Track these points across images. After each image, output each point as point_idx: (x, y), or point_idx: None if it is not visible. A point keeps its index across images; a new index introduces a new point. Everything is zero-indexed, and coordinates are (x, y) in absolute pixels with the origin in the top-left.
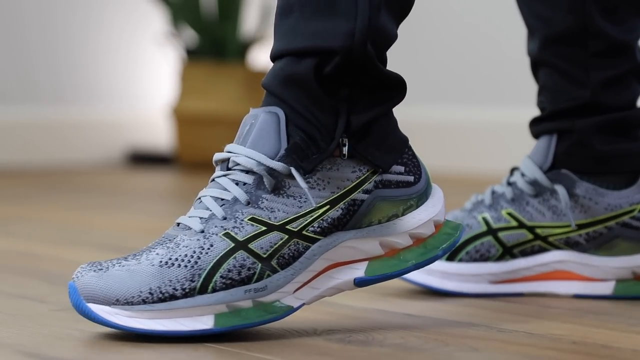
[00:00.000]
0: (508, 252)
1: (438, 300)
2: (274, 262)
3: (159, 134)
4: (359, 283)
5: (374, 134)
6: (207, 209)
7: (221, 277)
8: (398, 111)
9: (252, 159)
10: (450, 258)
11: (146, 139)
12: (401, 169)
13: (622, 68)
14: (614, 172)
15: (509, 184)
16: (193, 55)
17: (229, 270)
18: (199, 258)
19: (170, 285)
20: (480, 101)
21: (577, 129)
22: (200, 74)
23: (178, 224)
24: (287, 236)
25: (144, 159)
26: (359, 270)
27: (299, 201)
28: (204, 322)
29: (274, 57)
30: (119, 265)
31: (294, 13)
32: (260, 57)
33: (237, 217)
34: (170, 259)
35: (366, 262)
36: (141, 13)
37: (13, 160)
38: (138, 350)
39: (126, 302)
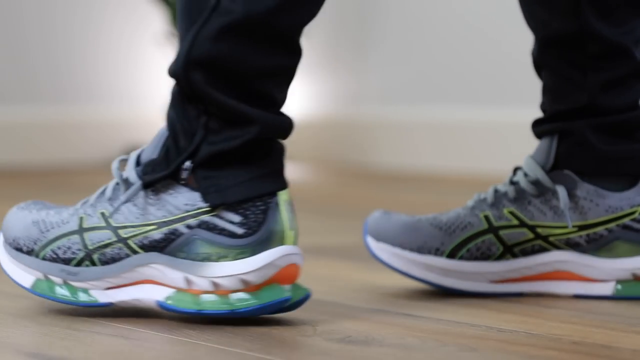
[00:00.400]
0: (509, 250)
1: (438, 300)
2: (95, 257)
3: None
4: (161, 305)
5: (222, 168)
6: (95, 193)
7: (51, 250)
8: (399, 112)
9: (128, 162)
10: (451, 255)
11: (146, 139)
12: (236, 218)
13: (621, 70)
14: (615, 173)
15: (512, 183)
16: None
17: (59, 248)
18: (52, 228)
19: (23, 240)
20: (481, 101)
21: (575, 129)
22: None
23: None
24: (116, 239)
25: None
26: (163, 296)
27: (141, 212)
28: (27, 280)
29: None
30: (34, 209)
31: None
32: None
33: (97, 206)
34: (43, 220)
35: (172, 291)
36: (141, 13)
37: (13, 160)
38: (138, 350)
39: (5, 239)
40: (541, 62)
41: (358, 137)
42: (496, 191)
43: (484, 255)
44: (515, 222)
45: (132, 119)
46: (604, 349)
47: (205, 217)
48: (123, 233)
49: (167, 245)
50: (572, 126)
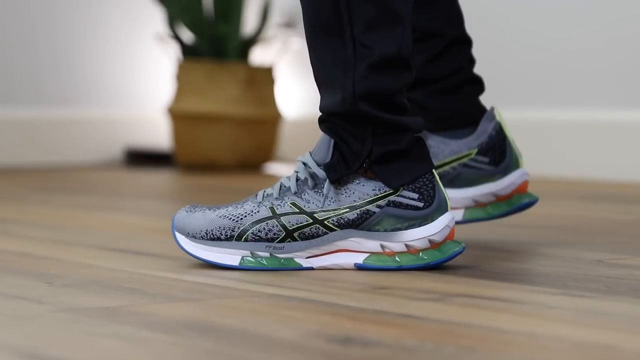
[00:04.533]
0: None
1: (437, 300)
2: (296, 234)
3: (158, 133)
4: (358, 266)
5: (390, 162)
6: (272, 188)
7: (252, 233)
8: None
9: (306, 164)
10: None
11: (145, 138)
12: (414, 195)
13: (437, 47)
14: (456, 126)
15: None
16: (192, 54)
17: (260, 231)
18: (245, 217)
19: (217, 231)
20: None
21: (413, 98)
22: (200, 73)
23: (256, 194)
24: (311, 220)
25: (143, 159)
26: (360, 258)
27: (329, 200)
28: (234, 260)
29: (320, 110)
30: (201, 211)
31: (318, 85)
32: (260, 57)
33: (284, 199)
34: (229, 214)
35: (367, 254)
36: (141, 13)
37: (12, 160)
38: (137, 350)
39: (192, 236)
40: None
41: None
42: None
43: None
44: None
45: (132, 119)
46: (607, 350)
47: (392, 198)
48: (318, 216)
49: (361, 222)
50: (410, 96)
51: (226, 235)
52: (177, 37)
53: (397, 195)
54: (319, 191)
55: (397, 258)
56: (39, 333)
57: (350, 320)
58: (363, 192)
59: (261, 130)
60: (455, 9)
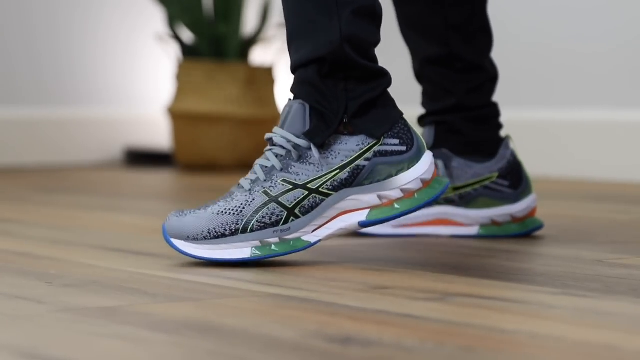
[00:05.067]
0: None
1: (437, 300)
2: (297, 211)
3: (158, 133)
4: (363, 224)
5: (368, 112)
6: (255, 173)
7: (257, 221)
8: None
9: (284, 137)
10: None
11: (145, 138)
12: (395, 141)
13: (478, 80)
14: (478, 151)
15: None
16: (192, 54)
17: (263, 217)
18: (244, 208)
19: (221, 227)
20: None
21: (448, 121)
22: (200, 73)
23: (238, 184)
24: (307, 192)
25: (143, 159)
26: (363, 216)
27: (317, 167)
28: (244, 253)
29: (292, 71)
30: (193, 213)
31: (295, 40)
32: (260, 57)
33: (273, 179)
34: (225, 209)
35: (368, 210)
36: (141, 13)
37: (12, 160)
38: (138, 349)
39: (194, 238)
40: (422, 75)
41: None
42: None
43: None
44: None
45: (132, 119)
46: (607, 350)
47: (376, 148)
48: (312, 185)
49: (354, 179)
50: (445, 119)
51: (231, 230)
52: (177, 37)
53: (381, 145)
54: (305, 161)
55: (395, 205)
56: (39, 333)
57: (350, 320)
58: (348, 149)
59: (261, 130)
60: (491, 46)
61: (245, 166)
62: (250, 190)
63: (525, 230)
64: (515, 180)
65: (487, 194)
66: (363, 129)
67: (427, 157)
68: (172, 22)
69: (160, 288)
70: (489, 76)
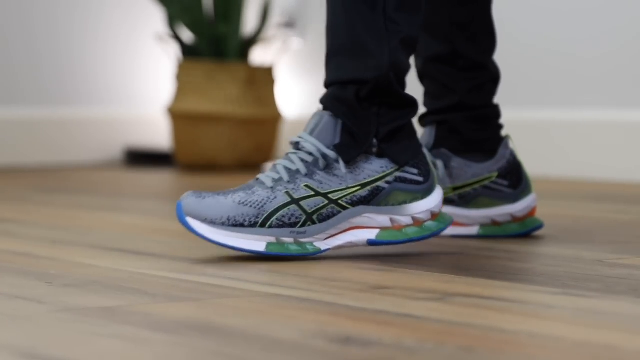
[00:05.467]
0: None
1: (437, 300)
2: (315, 217)
3: (158, 133)
4: (371, 242)
5: (395, 139)
6: (278, 173)
7: (276, 219)
8: None
9: (314, 145)
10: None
11: (145, 138)
12: (415, 171)
13: (481, 79)
14: (477, 151)
15: None
16: (192, 54)
17: (283, 216)
18: (265, 204)
19: (241, 217)
20: None
21: (449, 120)
22: (200, 73)
23: (257, 179)
24: (327, 201)
25: (143, 159)
26: (372, 234)
27: (341, 180)
28: (259, 246)
29: (327, 85)
30: (212, 197)
31: (338, 56)
32: (260, 57)
33: (297, 182)
34: (247, 200)
35: (378, 230)
36: (141, 13)
37: (12, 160)
38: (138, 349)
39: (211, 222)
40: (424, 73)
41: None
42: None
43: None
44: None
45: (132, 119)
46: (607, 350)
47: (398, 173)
48: (333, 196)
49: (372, 198)
50: (446, 118)
51: (250, 222)
52: (177, 37)
53: (401, 172)
54: (331, 172)
55: (404, 230)
56: (39, 333)
57: (350, 320)
58: (372, 169)
59: (261, 130)
60: (494, 47)
61: (245, 166)
62: (272, 188)
63: (526, 229)
64: (514, 180)
65: (486, 194)
66: (389, 154)
67: (439, 192)
68: (172, 22)
69: (160, 288)
70: (492, 76)
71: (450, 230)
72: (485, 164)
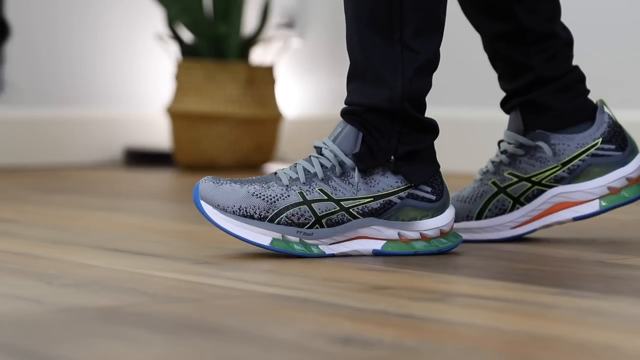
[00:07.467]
0: (517, 201)
1: (437, 300)
2: (324, 221)
3: (158, 133)
4: (376, 252)
5: (412, 160)
6: (296, 172)
7: (286, 217)
8: None
9: (333, 152)
10: (479, 217)
11: (145, 138)
12: (428, 189)
13: (554, 47)
14: (573, 123)
15: (502, 152)
16: (192, 54)
17: (293, 215)
18: (277, 200)
19: (252, 209)
20: (483, 102)
21: (536, 98)
22: (200, 73)
23: (275, 173)
24: (339, 208)
25: (142, 159)
26: (378, 245)
27: (354, 189)
28: (264, 240)
29: (347, 103)
30: (229, 184)
31: (355, 80)
32: (260, 57)
33: (312, 185)
34: (261, 193)
35: (384, 241)
36: (141, 13)
37: (12, 160)
38: (138, 349)
39: (222, 209)
40: (494, 55)
41: None
42: (493, 162)
43: (500, 211)
44: (515, 179)
45: (132, 119)
46: (607, 350)
47: (411, 190)
48: (345, 204)
49: (383, 211)
50: (530, 98)
51: (260, 215)
52: (177, 37)
53: (415, 189)
54: (346, 179)
55: (412, 244)
56: (39, 333)
57: (350, 320)
58: (387, 183)
59: (261, 130)
60: (559, 11)
61: (245, 166)
62: (287, 186)
63: None
64: (620, 142)
65: (596, 162)
66: (404, 173)
67: (450, 212)
68: (172, 22)
69: (160, 288)
70: (564, 41)
71: (572, 213)
72: (586, 132)
